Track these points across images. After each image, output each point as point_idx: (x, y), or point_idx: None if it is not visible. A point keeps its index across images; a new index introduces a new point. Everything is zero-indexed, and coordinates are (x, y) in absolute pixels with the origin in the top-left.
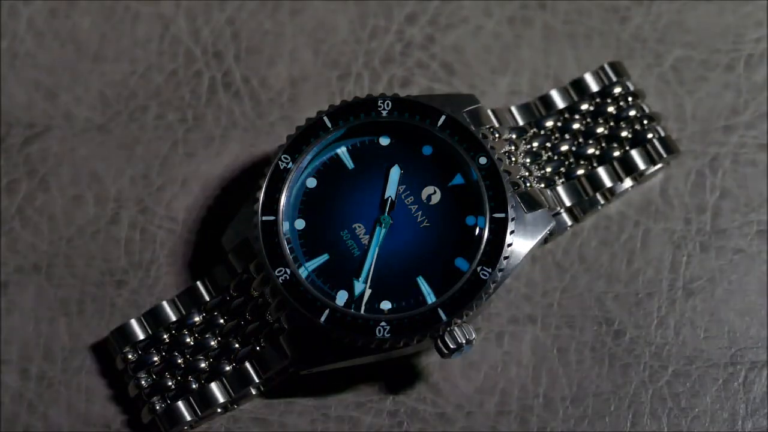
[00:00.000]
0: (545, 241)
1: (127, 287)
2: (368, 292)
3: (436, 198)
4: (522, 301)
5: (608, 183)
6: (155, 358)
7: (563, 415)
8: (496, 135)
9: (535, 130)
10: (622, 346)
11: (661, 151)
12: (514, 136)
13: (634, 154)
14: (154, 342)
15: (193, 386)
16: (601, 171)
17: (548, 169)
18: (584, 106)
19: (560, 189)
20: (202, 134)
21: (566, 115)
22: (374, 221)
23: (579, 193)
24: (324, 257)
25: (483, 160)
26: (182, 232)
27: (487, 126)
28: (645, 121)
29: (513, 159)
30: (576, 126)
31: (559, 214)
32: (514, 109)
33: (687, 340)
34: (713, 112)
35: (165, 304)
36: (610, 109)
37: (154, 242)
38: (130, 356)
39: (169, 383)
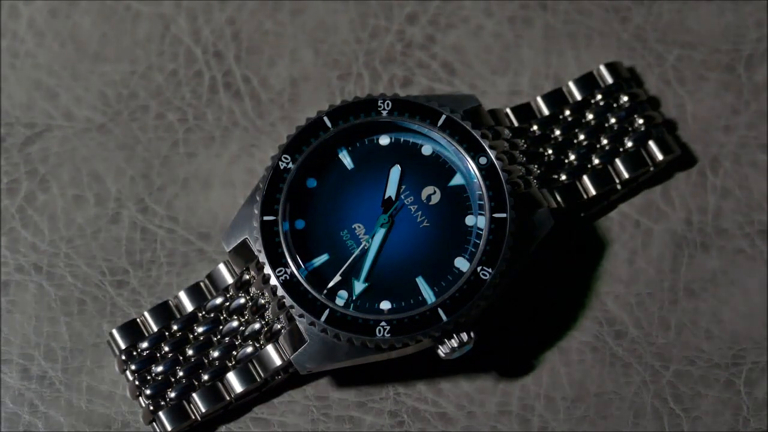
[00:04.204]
0: (545, 240)
1: (128, 287)
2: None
3: (436, 198)
4: (522, 301)
5: (608, 184)
6: (155, 359)
7: (564, 415)
8: (496, 135)
9: (534, 130)
10: (623, 346)
11: (660, 152)
12: (513, 136)
13: (632, 155)
14: (154, 342)
15: (194, 387)
16: (600, 172)
17: (548, 169)
18: (583, 107)
19: (560, 189)
20: (202, 134)
21: (565, 115)
22: (374, 221)
23: (579, 193)
24: (324, 257)
25: (483, 160)
26: (182, 232)
27: (487, 126)
28: (642, 121)
29: (513, 159)
30: (575, 127)
31: (558, 213)
32: (514, 110)
33: (688, 341)
34: (713, 112)
35: (164, 304)
36: (609, 111)
37: (154, 242)
38: (129, 357)
39: (169, 384)
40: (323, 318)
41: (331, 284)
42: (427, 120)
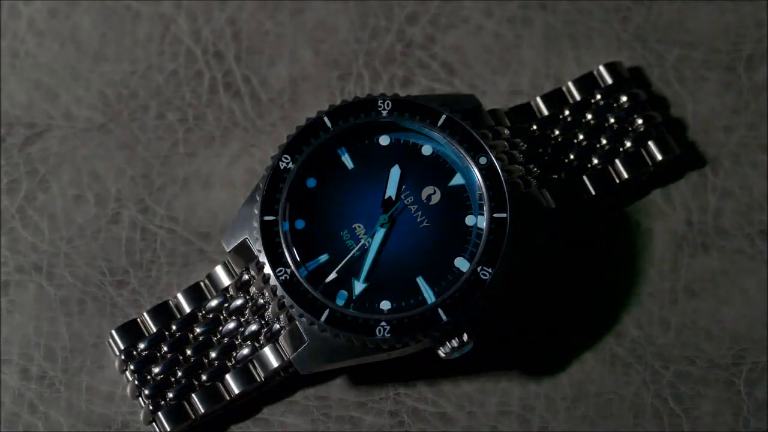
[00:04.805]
0: (545, 241)
1: (128, 287)
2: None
3: (436, 198)
4: (523, 301)
5: (608, 184)
6: (155, 360)
7: (564, 415)
8: (496, 135)
9: (534, 130)
10: (623, 347)
11: (660, 152)
12: (513, 136)
13: (632, 155)
14: (155, 343)
15: (193, 387)
16: (600, 172)
17: (547, 170)
18: (583, 107)
19: (560, 189)
20: (202, 134)
21: (565, 115)
22: (374, 221)
23: (579, 193)
24: (324, 257)
25: (483, 160)
26: (182, 232)
27: (487, 126)
28: (642, 121)
29: (513, 159)
30: (574, 127)
31: (557, 213)
32: (513, 110)
33: (688, 341)
34: (713, 112)
35: (164, 304)
36: (609, 111)
37: (154, 242)
38: (129, 357)
39: (169, 384)
40: (323, 318)
41: (328, 279)
42: (427, 120)
